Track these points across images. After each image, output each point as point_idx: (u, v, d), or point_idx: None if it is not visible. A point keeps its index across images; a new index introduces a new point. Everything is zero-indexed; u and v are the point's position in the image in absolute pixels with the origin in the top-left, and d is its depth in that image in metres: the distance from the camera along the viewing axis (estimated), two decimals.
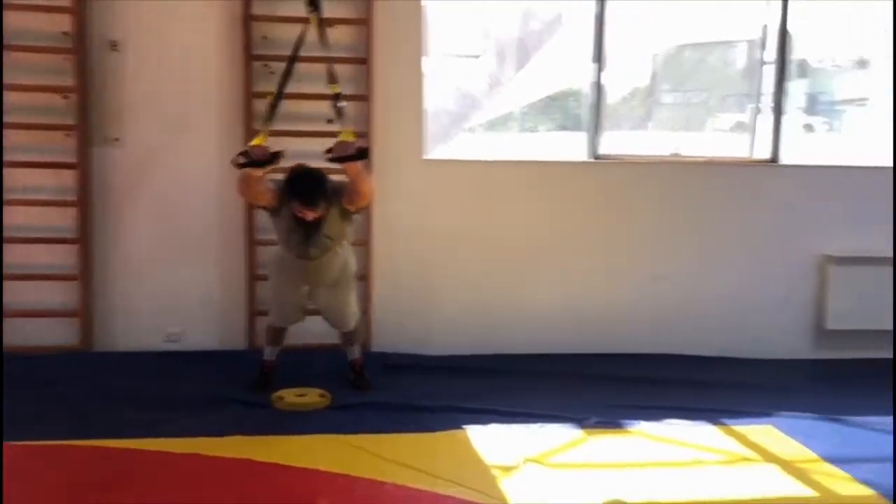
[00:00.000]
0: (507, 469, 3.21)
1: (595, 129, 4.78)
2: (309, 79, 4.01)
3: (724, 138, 5.21)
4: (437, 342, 4.63)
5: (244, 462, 3.20)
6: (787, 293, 4.89)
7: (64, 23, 4.23)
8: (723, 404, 4.00)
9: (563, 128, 5.31)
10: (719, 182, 4.87)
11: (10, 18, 4.15)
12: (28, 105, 4.25)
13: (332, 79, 3.84)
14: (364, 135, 4.34)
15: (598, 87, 4.73)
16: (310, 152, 3.86)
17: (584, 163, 4.81)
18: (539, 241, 4.75)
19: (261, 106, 4.14)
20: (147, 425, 3.51)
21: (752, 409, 3.92)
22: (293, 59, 3.84)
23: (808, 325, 4.94)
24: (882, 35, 5.06)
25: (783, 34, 4.83)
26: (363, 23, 4.42)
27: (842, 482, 3.21)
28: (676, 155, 4.96)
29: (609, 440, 3.56)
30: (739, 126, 5.12)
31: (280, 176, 3.78)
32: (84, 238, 4.38)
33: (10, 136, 4.22)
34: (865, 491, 3.12)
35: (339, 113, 3.83)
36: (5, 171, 4.21)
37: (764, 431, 3.68)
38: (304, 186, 3.70)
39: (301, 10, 3.89)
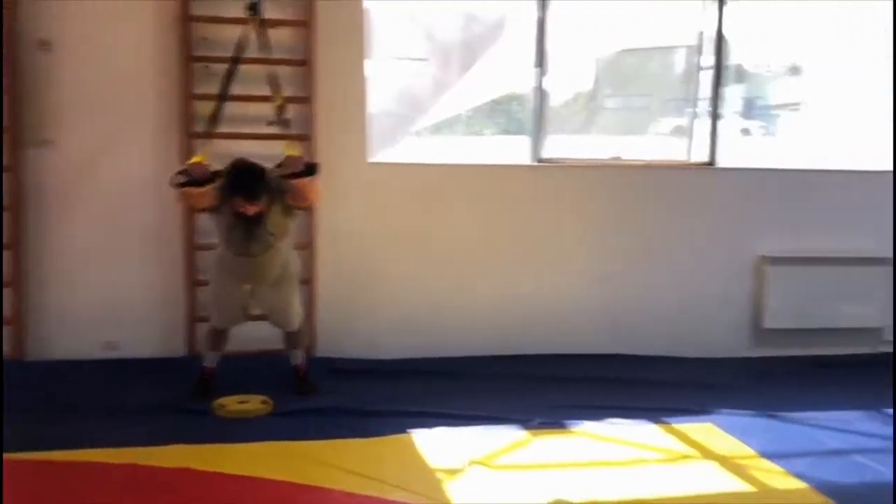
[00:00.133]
0: (453, 472, 3.22)
1: (538, 133, 4.82)
2: (250, 81, 3.96)
3: (664, 142, 5.31)
4: (383, 346, 4.61)
5: (184, 471, 3.14)
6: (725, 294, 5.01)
7: None
8: (664, 403, 4.08)
9: (507, 132, 5.34)
10: (659, 185, 4.96)
11: None
12: None
13: (275, 89, 3.80)
14: (307, 138, 4.32)
15: (541, 92, 4.78)
16: (253, 154, 3.84)
17: (527, 166, 4.86)
18: (484, 244, 4.77)
19: (200, 108, 4.08)
20: (83, 435, 3.41)
21: (693, 408, 4.00)
22: (236, 62, 3.79)
23: (746, 323, 5.07)
24: (814, 41, 5.23)
25: (719, 40, 4.93)
26: (305, 24, 4.38)
27: (777, 477, 3.30)
28: (618, 159, 5.03)
29: (553, 441, 3.59)
30: (678, 130, 5.23)
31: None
32: (16, 243, 4.24)
33: None
34: (799, 485, 3.22)
35: (284, 124, 3.79)
36: None
37: (704, 429, 3.75)
38: (246, 181, 3.66)
39: (242, 10, 3.84)
